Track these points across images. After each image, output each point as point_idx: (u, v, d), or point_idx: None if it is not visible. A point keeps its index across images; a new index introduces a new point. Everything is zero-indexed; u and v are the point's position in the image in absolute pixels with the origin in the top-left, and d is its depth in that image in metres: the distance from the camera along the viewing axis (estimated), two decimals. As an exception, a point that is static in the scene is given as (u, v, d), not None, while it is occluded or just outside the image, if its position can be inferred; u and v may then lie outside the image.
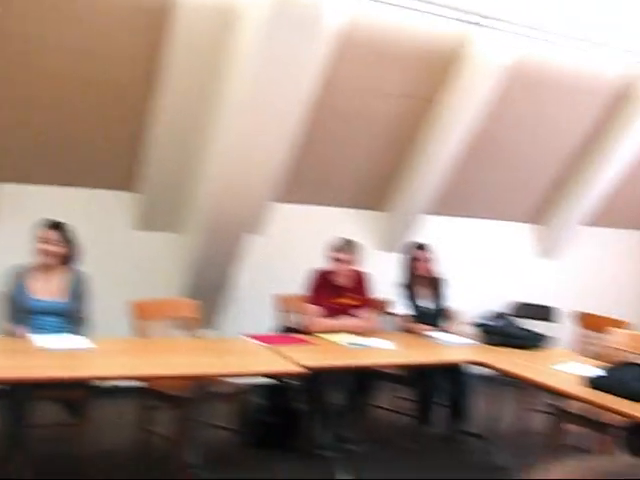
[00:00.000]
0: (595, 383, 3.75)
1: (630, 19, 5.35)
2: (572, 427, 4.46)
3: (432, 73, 5.40)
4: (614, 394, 3.60)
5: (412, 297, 5.21)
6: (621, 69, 5.86)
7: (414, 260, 5.24)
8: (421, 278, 5.23)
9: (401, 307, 5.19)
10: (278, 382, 4.65)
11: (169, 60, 4.63)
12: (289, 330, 4.81)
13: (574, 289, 6.98)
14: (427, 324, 5.07)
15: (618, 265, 7.62)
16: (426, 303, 5.25)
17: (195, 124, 4.95)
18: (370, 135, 5.72)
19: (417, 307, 5.21)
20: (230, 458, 4.34)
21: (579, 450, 4.44)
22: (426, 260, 5.21)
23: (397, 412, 5.20)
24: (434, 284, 5.29)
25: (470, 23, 4.88)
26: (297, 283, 4.94)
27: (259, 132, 4.73)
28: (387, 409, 5.21)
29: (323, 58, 4.77)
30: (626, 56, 5.59)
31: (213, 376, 3.96)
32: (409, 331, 5.06)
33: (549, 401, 4.69)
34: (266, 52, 4.34)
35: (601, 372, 3.83)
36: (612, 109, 6.23)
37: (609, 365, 3.93)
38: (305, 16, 4.24)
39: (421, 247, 5.26)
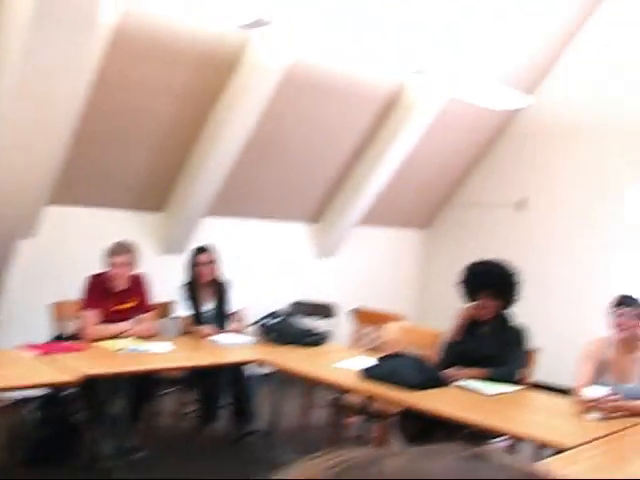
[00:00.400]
0: (368, 374, 3.93)
1: (400, 31, 5.68)
2: (354, 419, 4.65)
3: (211, 73, 5.39)
4: (386, 383, 3.79)
5: (194, 300, 5.17)
6: (391, 78, 6.19)
7: (197, 263, 5.20)
8: (204, 281, 5.21)
9: (183, 310, 5.14)
10: (54, 393, 4.43)
11: None
12: (65, 338, 4.59)
13: (351, 286, 7.27)
14: (210, 327, 5.05)
15: (392, 262, 8.05)
16: (209, 306, 5.22)
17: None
18: (149, 134, 5.60)
19: (199, 310, 5.17)
20: None
21: (360, 441, 4.64)
22: (209, 263, 5.19)
23: (181, 416, 5.15)
24: (217, 287, 5.28)
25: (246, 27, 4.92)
26: (73, 289, 4.73)
27: (28, 131, 4.48)
28: (170, 414, 5.14)
29: (97, 54, 4.60)
30: (396, 66, 5.91)
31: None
32: (191, 334, 5.01)
33: (330, 396, 4.85)
34: (34, 45, 4.11)
35: (375, 363, 4.01)
36: (383, 115, 6.56)
37: (382, 357, 4.13)
38: (76, 9, 4.07)
39: (204, 250, 5.23)
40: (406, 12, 5.66)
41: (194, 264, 5.20)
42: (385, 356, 4.11)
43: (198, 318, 5.12)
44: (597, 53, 6.86)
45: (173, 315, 5.22)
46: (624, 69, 6.70)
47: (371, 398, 4.04)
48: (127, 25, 4.70)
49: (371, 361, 4.10)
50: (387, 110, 6.53)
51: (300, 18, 5.03)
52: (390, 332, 5.03)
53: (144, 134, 5.57)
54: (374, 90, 6.28)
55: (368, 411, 4.42)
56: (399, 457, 0.50)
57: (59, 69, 4.25)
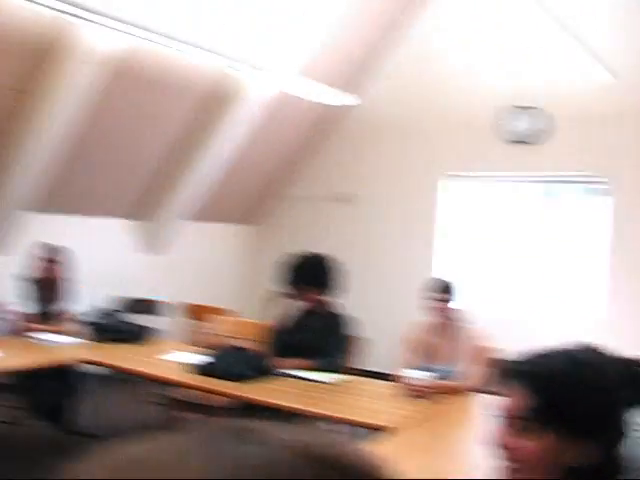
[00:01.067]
0: (202, 369, 3.94)
1: (226, 25, 5.69)
2: (187, 414, 4.63)
3: (29, 62, 5.17)
4: (220, 377, 3.82)
5: (33, 297, 5.04)
6: (217, 71, 6.18)
7: (41, 261, 5.08)
8: (45, 279, 5.09)
9: (20, 307, 4.95)
10: None
11: None
12: None
13: (179, 282, 7.21)
14: (45, 325, 4.92)
15: (220, 257, 8.06)
16: (47, 305, 5.09)
17: None
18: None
19: (39, 308, 5.05)
20: None
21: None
22: (53, 262, 5.09)
23: (7, 422, 4.92)
24: (58, 286, 5.13)
25: (70, 15, 4.76)
26: None
27: None
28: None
29: None
30: (221, 59, 5.91)
31: None
32: (25, 330, 4.82)
33: (162, 392, 4.80)
34: None
35: (207, 358, 4.03)
36: (209, 108, 6.53)
37: (214, 351, 4.15)
38: None
39: (51, 248, 5.12)
40: (233, 4, 5.69)
41: (40, 261, 5.08)
42: (216, 350, 4.14)
43: (34, 316, 4.99)
44: (419, 54, 7.19)
45: (2, 314, 5.03)
46: (445, 69, 7.07)
47: (204, 392, 4.05)
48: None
49: (202, 356, 4.11)
50: (213, 103, 6.51)
51: (124, 9, 4.92)
52: (220, 326, 5.06)
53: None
54: (200, 82, 6.25)
55: (201, 405, 4.42)
56: (141, 444, 0.49)
57: None
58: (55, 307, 5.15)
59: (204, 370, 3.92)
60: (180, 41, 5.38)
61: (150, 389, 5.15)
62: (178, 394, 4.51)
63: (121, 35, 5.12)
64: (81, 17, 4.76)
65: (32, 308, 5.05)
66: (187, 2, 5.38)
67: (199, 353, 4.31)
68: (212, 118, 6.61)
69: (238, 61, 5.94)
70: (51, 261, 5.13)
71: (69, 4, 4.59)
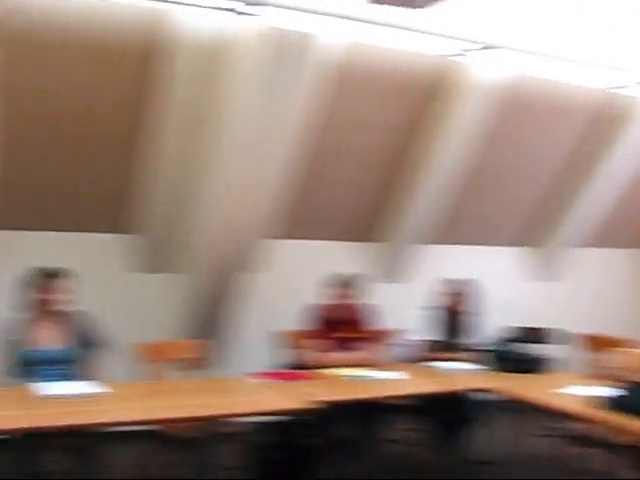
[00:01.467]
0: (612, 404, 3.71)
1: (616, 39, 5.41)
2: (587, 450, 4.43)
3: (424, 102, 5.43)
4: (633, 414, 3.55)
5: (437, 327, 5.26)
6: (607, 87, 5.90)
7: (447, 293, 5.32)
8: (451, 310, 5.31)
9: (420, 335, 5.18)
10: (286, 419, 4.58)
11: (160, 101, 4.62)
12: (294, 367, 4.75)
13: (575, 310, 6.97)
14: (445, 354, 5.09)
15: (618, 284, 7.65)
16: (450, 335, 5.29)
17: (192, 164, 4.93)
18: (365, 167, 5.73)
19: (440, 337, 5.26)
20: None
21: (590, 472, 4.41)
22: (460, 294, 5.30)
23: (406, 444, 5.14)
24: (462, 317, 5.33)
25: (457, 55, 4.92)
26: (299, 319, 4.90)
27: (256, 170, 4.74)
28: (396, 441, 5.14)
29: (317, 95, 4.77)
30: (612, 75, 5.63)
31: (222, 417, 3.88)
32: (426, 359, 5.03)
33: (559, 425, 4.65)
34: (260, 91, 4.37)
35: (617, 392, 3.79)
36: (599, 128, 6.27)
37: (623, 385, 3.88)
38: (298, 54, 4.28)
39: (459, 282, 5.35)
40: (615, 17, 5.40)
41: (446, 293, 5.32)
42: (625, 384, 3.87)
43: (437, 344, 5.20)
44: None
45: (400, 342, 5.29)
46: None
47: (610, 429, 3.81)
48: (345, 66, 4.83)
49: (608, 389, 3.88)
50: (602, 123, 6.22)
51: (510, 37, 4.93)
52: (623, 358, 4.75)
53: (360, 168, 5.73)
54: (590, 102, 6.03)
55: (604, 442, 4.18)
56: None
57: (283, 113, 4.48)
58: (458, 338, 5.28)
59: (614, 405, 3.68)
60: (568, 60, 5.25)
61: (546, 421, 5.02)
62: (576, 428, 4.32)
63: (507, 64, 5.14)
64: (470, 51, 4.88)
65: (435, 337, 5.24)
66: (566, 20, 5.21)
67: (602, 386, 4.09)
68: (602, 139, 6.33)
69: (625, 75, 5.60)
70: (458, 294, 5.29)
71: (464, 40, 4.73)
